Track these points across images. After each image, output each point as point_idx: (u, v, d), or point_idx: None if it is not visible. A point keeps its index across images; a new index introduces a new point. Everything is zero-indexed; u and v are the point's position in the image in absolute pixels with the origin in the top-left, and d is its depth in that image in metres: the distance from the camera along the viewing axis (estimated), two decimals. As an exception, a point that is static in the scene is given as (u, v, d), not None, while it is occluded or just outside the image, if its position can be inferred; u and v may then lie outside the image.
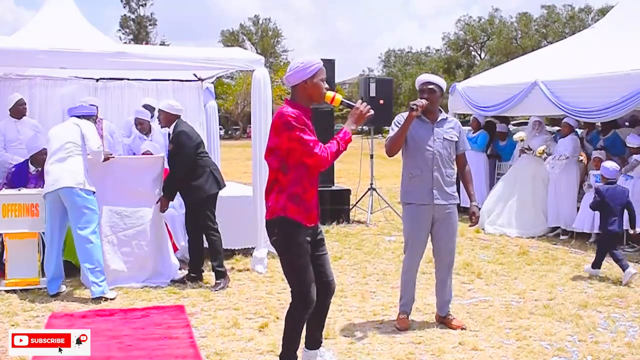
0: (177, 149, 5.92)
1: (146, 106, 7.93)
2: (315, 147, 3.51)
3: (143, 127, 7.54)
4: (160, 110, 6.10)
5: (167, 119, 6.02)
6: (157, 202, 6.05)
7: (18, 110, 7.23)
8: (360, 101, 3.75)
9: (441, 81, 4.78)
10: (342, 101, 3.69)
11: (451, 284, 4.97)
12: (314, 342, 3.92)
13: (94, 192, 5.59)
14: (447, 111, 11.22)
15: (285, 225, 3.59)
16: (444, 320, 4.89)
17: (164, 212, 6.11)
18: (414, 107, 4.50)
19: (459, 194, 5.01)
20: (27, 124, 7.32)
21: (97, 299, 5.44)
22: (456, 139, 4.76)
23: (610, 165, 6.52)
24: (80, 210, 5.48)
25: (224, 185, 6.22)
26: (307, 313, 3.67)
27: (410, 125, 4.59)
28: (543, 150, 8.57)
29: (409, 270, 4.85)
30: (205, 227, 6.03)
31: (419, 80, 4.81)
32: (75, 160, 5.54)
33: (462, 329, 4.75)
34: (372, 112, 3.68)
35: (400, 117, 4.69)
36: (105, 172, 5.88)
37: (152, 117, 7.88)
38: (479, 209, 5.00)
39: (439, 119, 4.74)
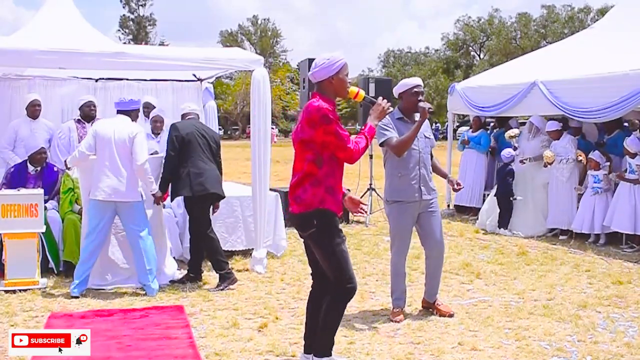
0: (167, 141, 6.00)
1: (147, 104, 7.96)
2: (349, 142, 3.64)
3: (157, 125, 7.55)
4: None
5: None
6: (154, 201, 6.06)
7: (31, 111, 7.34)
8: (381, 98, 3.96)
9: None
10: (365, 97, 3.90)
11: (440, 274, 5.17)
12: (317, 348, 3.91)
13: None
14: (446, 111, 11.27)
15: (325, 217, 3.67)
16: (431, 306, 5.10)
17: (157, 203, 6.05)
18: (431, 109, 4.80)
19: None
20: (42, 125, 7.39)
21: (97, 299, 5.45)
22: (432, 137, 5.07)
23: (506, 152, 8.89)
24: (134, 220, 5.64)
25: (200, 192, 5.83)
26: (349, 301, 3.78)
27: (397, 127, 4.85)
28: (515, 135, 8.82)
29: (398, 265, 5.04)
30: (194, 234, 6.03)
31: (408, 84, 4.99)
32: (131, 169, 5.58)
33: (450, 315, 4.96)
34: (392, 108, 4.07)
35: (386, 120, 4.80)
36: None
37: (149, 116, 7.92)
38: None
39: (417, 120, 4.93)
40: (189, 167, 5.88)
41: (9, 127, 7.32)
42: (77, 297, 5.46)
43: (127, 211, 5.62)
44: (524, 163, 8.79)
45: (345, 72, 3.77)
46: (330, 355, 3.84)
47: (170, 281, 6.04)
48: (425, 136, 4.94)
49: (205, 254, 6.05)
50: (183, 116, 6.37)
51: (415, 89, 4.88)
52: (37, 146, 6.51)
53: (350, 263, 3.75)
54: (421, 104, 4.79)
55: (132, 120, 5.81)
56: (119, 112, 5.84)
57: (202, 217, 5.99)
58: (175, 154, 5.88)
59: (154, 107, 7.95)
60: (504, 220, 8.85)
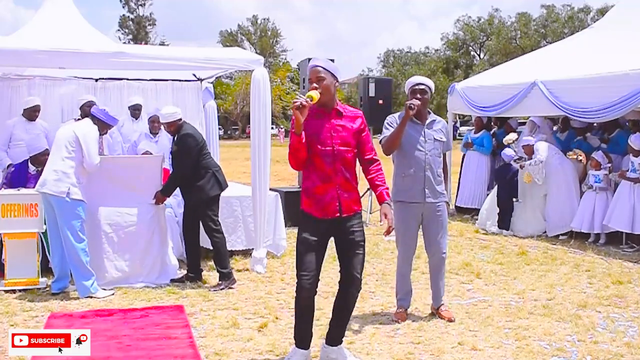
0: (183, 150, 5.94)
1: (136, 106, 7.98)
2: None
3: (154, 126, 7.54)
4: (164, 123, 6.13)
5: (174, 125, 6.03)
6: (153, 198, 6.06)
7: (30, 115, 7.41)
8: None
9: (431, 83, 4.99)
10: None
11: (444, 278, 5.14)
12: (332, 339, 4.00)
13: (81, 200, 5.50)
14: (446, 111, 11.26)
15: (300, 216, 3.88)
16: (436, 311, 5.08)
17: (158, 204, 6.07)
18: (412, 106, 4.64)
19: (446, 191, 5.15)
20: (39, 126, 7.43)
21: (97, 299, 5.45)
22: (444, 140, 4.95)
23: (507, 151, 8.90)
24: (61, 216, 5.46)
25: (226, 186, 6.20)
26: (302, 300, 3.82)
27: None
28: (513, 141, 8.89)
29: (403, 265, 5.03)
30: (208, 229, 6.01)
31: (410, 82, 4.96)
32: (65, 165, 5.47)
33: (451, 320, 4.91)
34: (297, 102, 3.57)
35: (392, 118, 4.90)
36: (105, 171, 5.87)
37: (139, 116, 7.94)
38: (448, 204, 5.20)
39: (428, 121, 4.91)
40: (210, 168, 6.02)
41: (5, 127, 7.32)
42: (57, 294, 5.54)
43: (54, 204, 5.46)
44: (522, 167, 8.78)
45: (309, 77, 3.79)
46: (297, 346, 3.92)
47: (171, 280, 6.05)
48: (435, 138, 4.84)
49: (214, 252, 6.05)
50: (176, 121, 6.05)
51: (414, 87, 4.84)
52: (41, 147, 6.52)
53: (306, 263, 3.78)
54: (407, 102, 4.73)
55: (98, 128, 5.71)
56: (88, 115, 5.85)
57: (217, 212, 6.09)
58: (192, 161, 5.92)
59: (140, 107, 7.97)
60: (504, 220, 8.85)
